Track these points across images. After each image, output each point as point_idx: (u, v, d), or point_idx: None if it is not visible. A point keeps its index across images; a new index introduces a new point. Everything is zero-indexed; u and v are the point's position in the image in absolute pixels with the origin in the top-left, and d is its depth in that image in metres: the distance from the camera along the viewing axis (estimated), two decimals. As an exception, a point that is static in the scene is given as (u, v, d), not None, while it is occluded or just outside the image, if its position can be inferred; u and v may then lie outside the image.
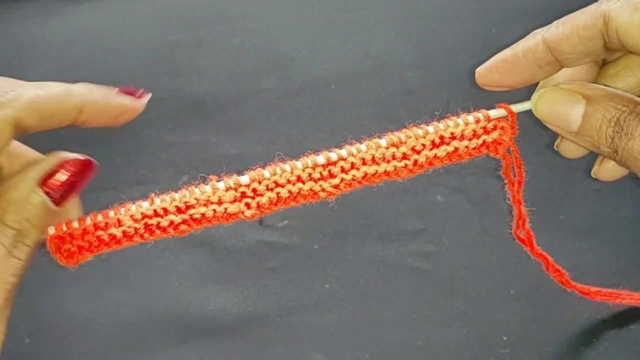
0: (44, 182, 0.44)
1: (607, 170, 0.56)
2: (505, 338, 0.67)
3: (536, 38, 0.50)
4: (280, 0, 0.90)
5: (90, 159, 0.46)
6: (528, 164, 0.77)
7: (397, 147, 0.51)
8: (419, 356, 0.67)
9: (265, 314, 0.70)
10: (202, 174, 0.51)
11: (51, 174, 0.44)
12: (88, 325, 0.69)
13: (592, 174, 0.57)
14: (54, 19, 0.89)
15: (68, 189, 0.44)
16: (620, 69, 0.54)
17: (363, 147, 0.51)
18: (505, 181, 0.56)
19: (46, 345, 0.68)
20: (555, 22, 0.50)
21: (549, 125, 0.51)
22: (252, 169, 0.51)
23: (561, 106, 0.50)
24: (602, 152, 0.50)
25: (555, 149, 0.56)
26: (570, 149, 0.56)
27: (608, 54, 0.50)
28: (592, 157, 0.55)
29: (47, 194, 0.44)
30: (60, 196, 0.44)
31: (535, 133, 0.55)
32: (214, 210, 0.50)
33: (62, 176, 0.44)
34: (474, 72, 0.53)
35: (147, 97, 0.49)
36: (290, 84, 0.83)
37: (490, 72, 0.52)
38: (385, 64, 0.84)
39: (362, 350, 0.67)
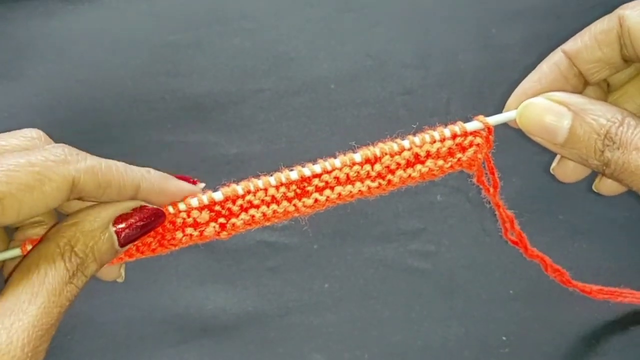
0: (116, 222, 0.46)
1: (608, 185, 0.54)
2: (504, 338, 0.67)
3: (558, 52, 0.50)
4: (280, 0, 0.90)
5: (162, 210, 0.48)
6: (528, 164, 0.77)
7: (372, 165, 0.50)
8: (418, 356, 0.67)
9: (264, 314, 0.70)
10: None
11: (124, 216, 0.46)
12: (87, 325, 0.69)
13: (593, 187, 0.55)
14: (55, 19, 0.89)
15: (136, 233, 0.47)
16: (619, 96, 0.53)
17: (337, 162, 0.50)
18: (500, 183, 0.56)
19: (46, 344, 0.68)
20: (574, 36, 0.50)
21: (532, 137, 0.50)
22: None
23: (547, 117, 0.48)
24: (590, 165, 0.48)
25: (552, 172, 0.55)
26: (566, 174, 0.54)
27: (625, 65, 0.50)
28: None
29: (117, 233, 0.46)
30: (126, 238, 0.46)
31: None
32: (190, 235, 0.50)
33: (134, 220, 0.46)
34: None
35: (202, 184, 0.51)
36: (290, 84, 0.83)
37: (520, 99, 0.50)
38: (385, 64, 0.84)
39: (361, 350, 0.67)
